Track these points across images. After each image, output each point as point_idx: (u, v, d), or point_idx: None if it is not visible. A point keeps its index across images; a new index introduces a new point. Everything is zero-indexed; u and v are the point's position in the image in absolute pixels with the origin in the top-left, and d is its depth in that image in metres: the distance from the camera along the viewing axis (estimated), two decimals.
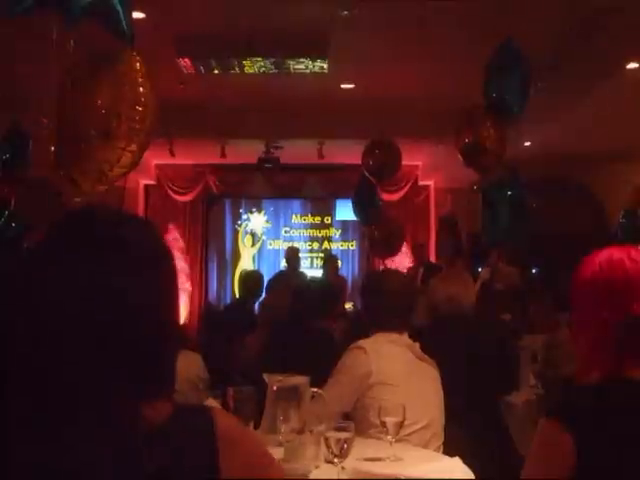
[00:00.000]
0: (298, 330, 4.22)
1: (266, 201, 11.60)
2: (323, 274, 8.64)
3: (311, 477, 2.36)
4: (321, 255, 11.14)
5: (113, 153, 3.62)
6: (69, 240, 1.10)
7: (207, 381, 4.09)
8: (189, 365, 3.94)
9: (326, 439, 2.29)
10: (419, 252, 9.75)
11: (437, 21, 5.72)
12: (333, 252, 11.13)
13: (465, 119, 5.72)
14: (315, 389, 2.61)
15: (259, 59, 6.53)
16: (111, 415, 1.03)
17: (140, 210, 10.83)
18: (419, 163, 10.44)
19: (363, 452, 2.50)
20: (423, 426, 2.89)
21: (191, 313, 10.96)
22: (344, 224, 11.54)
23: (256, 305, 6.01)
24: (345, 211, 10.70)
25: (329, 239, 11.66)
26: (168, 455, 1.01)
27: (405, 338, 3.10)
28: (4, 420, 1.02)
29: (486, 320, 4.82)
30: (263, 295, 5.99)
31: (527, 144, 8.32)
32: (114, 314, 1.05)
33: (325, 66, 6.73)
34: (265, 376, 2.57)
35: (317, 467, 2.41)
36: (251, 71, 6.80)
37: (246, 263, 11.46)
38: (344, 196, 10.14)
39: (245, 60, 6.55)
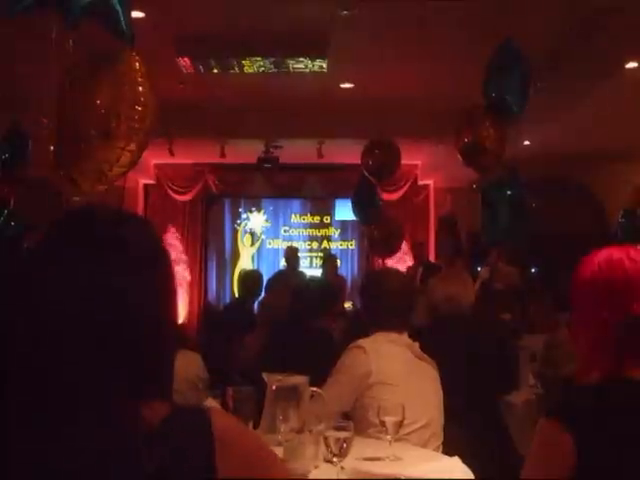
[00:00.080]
0: (297, 330, 4.22)
1: (265, 201, 11.60)
2: (322, 274, 8.64)
3: (310, 477, 2.36)
4: (320, 255, 11.14)
5: (113, 153, 3.62)
6: (69, 240, 1.10)
7: (206, 381, 4.09)
8: (188, 365, 3.94)
9: (325, 439, 2.30)
10: (419, 252, 9.74)
11: (437, 21, 5.72)
12: (332, 252, 11.12)
13: (465, 119, 5.72)
14: (314, 388, 2.61)
15: (258, 59, 6.54)
16: (111, 415, 1.03)
17: (140, 209, 10.82)
18: (419, 163, 10.44)
19: (362, 452, 2.50)
20: (422, 425, 2.89)
21: (190, 313, 10.96)
22: (343, 224, 11.54)
23: (255, 305, 6.01)
24: (344, 211, 10.70)
25: (328, 239, 11.66)
26: (164, 456, 1.01)
27: (405, 338, 3.10)
28: (4, 420, 1.02)
29: (486, 320, 4.83)
30: (262, 295, 6.00)
31: (527, 144, 8.32)
32: (114, 314, 1.05)
33: (325, 66, 6.73)
34: (264, 376, 2.58)
35: (316, 467, 2.41)
36: (250, 71, 6.80)
37: (245, 263, 11.46)
38: (343, 196, 10.14)
39: (244, 60, 6.55)
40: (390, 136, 7.95)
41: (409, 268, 9.04)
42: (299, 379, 2.51)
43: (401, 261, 10.24)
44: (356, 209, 8.70)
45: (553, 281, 6.94)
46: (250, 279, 6.27)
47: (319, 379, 2.80)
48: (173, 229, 11.09)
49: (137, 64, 3.70)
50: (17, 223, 5.95)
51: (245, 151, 9.29)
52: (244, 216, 11.65)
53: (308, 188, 11.02)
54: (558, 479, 1.53)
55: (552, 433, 1.55)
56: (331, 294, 4.87)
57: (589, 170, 9.84)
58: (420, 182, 10.99)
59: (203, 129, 8.58)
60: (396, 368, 2.96)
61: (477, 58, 5.28)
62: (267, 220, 11.66)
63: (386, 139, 7.96)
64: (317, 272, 9.88)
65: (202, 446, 1.03)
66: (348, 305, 8.61)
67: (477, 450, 2.72)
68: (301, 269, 9.17)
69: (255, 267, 10.94)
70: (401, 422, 2.59)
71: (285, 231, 11.64)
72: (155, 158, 10.15)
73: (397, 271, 4.72)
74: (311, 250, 11.58)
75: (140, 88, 3.67)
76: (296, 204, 11.67)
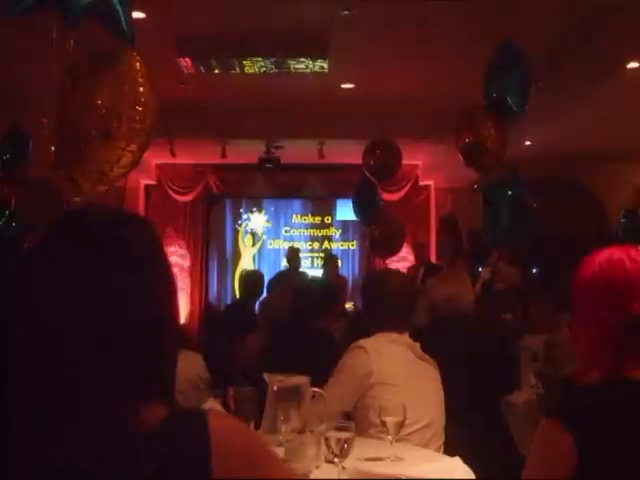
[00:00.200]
0: (298, 330, 4.22)
1: (266, 201, 11.60)
2: (323, 274, 8.64)
3: (312, 477, 2.36)
4: (321, 255, 11.14)
5: (113, 153, 3.62)
6: (69, 240, 1.10)
7: (208, 381, 4.09)
8: (190, 365, 3.94)
9: (326, 439, 2.29)
10: (420, 252, 9.74)
11: (437, 21, 5.72)
12: (333, 252, 11.13)
13: (465, 119, 5.72)
14: (316, 389, 2.61)
15: (259, 59, 6.54)
16: (111, 415, 1.03)
17: (141, 210, 10.82)
18: (419, 163, 10.44)
19: (364, 452, 2.50)
20: (424, 426, 2.89)
21: (192, 313, 10.97)
22: (344, 224, 11.55)
23: (256, 305, 6.01)
24: (345, 211, 10.70)
25: (329, 239, 11.66)
26: (160, 458, 1.01)
27: (406, 338, 3.10)
28: (4, 420, 1.02)
29: (487, 320, 4.82)
30: (263, 295, 5.99)
31: (527, 144, 8.32)
32: (114, 314, 1.05)
33: (325, 66, 6.73)
34: (266, 376, 2.57)
35: (318, 467, 2.41)
36: (251, 71, 6.80)
37: (246, 263, 11.47)
38: (344, 196, 10.15)
39: (245, 60, 6.56)
40: (391, 136, 7.95)
41: (410, 268, 9.05)
42: (300, 379, 2.51)
43: (402, 261, 10.24)
44: (357, 209, 8.70)
45: (553, 281, 6.94)
46: (251, 279, 6.27)
47: (320, 379, 2.80)
48: (174, 230, 11.08)
49: (138, 64, 3.70)
50: (17, 223, 5.95)
51: (246, 151, 9.29)
52: (245, 216, 11.66)
53: (309, 188, 11.02)
54: (559, 479, 1.53)
55: (552, 433, 1.55)
56: (332, 294, 4.87)
57: (589, 170, 9.84)
58: (421, 182, 10.99)
59: (204, 129, 8.59)
60: (397, 368, 2.96)
61: (477, 58, 5.28)
62: (268, 220, 11.67)
63: (387, 139, 7.96)
64: (318, 272, 9.88)
65: (197, 449, 1.03)
66: (349, 305, 8.60)
67: (478, 450, 2.72)
68: (302, 269, 9.18)
69: (256, 267, 10.94)
70: (402, 422, 2.59)
71: (286, 231, 11.64)
72: (156, 158, 10.15)
73: (398, 271, 4.73)
74: (312, 250, 11.58)
75: (141, 88, 3.67)
76: (297, 204, 11.67)
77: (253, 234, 11.62)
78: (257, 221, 11.65)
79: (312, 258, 11.51)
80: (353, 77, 7.44)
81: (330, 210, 11.62)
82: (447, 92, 6.97)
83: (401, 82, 7.38)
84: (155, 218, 10.34)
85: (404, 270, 8.56)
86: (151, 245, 1.16)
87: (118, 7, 3.51)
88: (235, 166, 10.29)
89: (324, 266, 9.08)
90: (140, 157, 3.78)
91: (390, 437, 2.57)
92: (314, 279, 7.09)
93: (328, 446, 2.29)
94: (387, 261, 9.25)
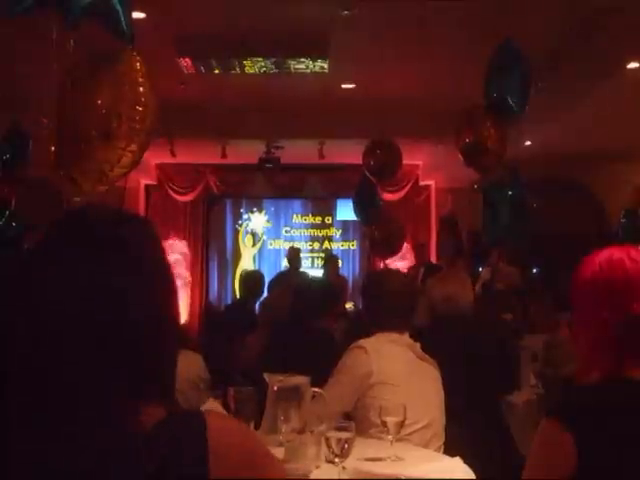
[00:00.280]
0: (299, 330, 4.22)
1: (267, 201, 11.61)
2: (324, 274, 8.64)
3: (312, 477, 2.36)
4: (322, 255, 11.14)
5: (113, 153, 3.62)
6: (69, 240, 1.10)
7: (208, 381, 4.09)
8: (190, 365, 3.94)
9: (327, 439, 2.29)
10: (420, 252, 9.74)
11: (437, 21, 5.73)
12: (334, 252, 11.13)
13: (465, 119, 5.72)
14: (316, 389, 2.61)
15: (259, 59, 6.54)
16: (111, 415, 1.03)
17: (141, 210, 10.82)
18: (419, 163, 10.44)
19: (364, 452, 2.50)
20: (424, 426, 2.89)
21: (192, 313, 10.96)
22: (345, 224, 11.55)
23: (257, 305, 6.01)
24: (346, 211, 10.70)
25: (330, 239, 11.66)
26: (160, 458, 1.01)
27: (406, 338, 3.10)
28: (4, 420, 1.02)
29: (487, 320, 4.82)
30: (264, 295, 5.99)
31: (527, 144, 8.32)
32: (114, 314, 1.05)
33: (325, 66, 6.73)
34: (266, 376, 2.57)
35: (318, 467, 2.41)
36: (252, 71, 6.81)
37: (247, 263, 11.47)
38: (345, 196, 10.15)
39: (246, 60, 6.56)
40: (391, 136, 7.95)
41: (410, 268, 9.05)
42: (300, 379, 2.51)
43: (402, 261, 10.24)
44: (357, 209, 8.70)
45: (553, 281, 6.94)
46: (251, 279, 6.27)
47: (320, 379, 2.80)
48: (174, 230, 11.08)
49: (138, 64, 3.70)
50: (17, 223, 5.96)
51: (246, 151, 9.30)
52: (245, 216, 11.66)
53: (309, 188, 11.03)
54: (559, 479, 1.53)
55: (552, 433, 1.55)
56: (332, 294, 4.87)
57: (589, 170, 9.84)
58: (421, 182, 11.00)
59: (204, 129, 8.59)
60: (397, 368, 2.96)
61: (477, 58, 5.28)
62: (268, 220, 11.67)
63: (387, 139, 7.96)
64: (318, 272, 9.88)
65: (195, 449, 1.03)
66: (349, 305, 8.60)
67: (478, 450, 2.72)
68: (303, 269, 9.19)
69: (256, 267, 10.95)
70: (402, 422, 2.59)
71: (286, 231, 11.65)
72: (156, 158, 10.15)
73: (398, 271, 4.74)
74: (312, 250, 11.59)
75: (141, 88, 3.67)
76: (297, 204, 11.68)
77: (253, 234, 11.62)
78: (257, 221, 11.65)
79: (312, 258, 11.51)
80: (353, 77, 7.44)
81: (330, 210, 11.63)
82: (447, 92, 6.97)
83: (401, 82, 7.38)
84: (155, 218, 10.33)
85: (404, 270, 8.57)
86: (151, 245, 1.16)
87: (118, 7, 3.51)
88: (235, 166, 10.29)
89: (324, 266, 9.08)
90: (140, 157, 3.78)
91: (390, 437, 2.57)
92: (314, 279, 7.09)
93: (328, 446, 2.29)
94: (387, 261, 9.25)
